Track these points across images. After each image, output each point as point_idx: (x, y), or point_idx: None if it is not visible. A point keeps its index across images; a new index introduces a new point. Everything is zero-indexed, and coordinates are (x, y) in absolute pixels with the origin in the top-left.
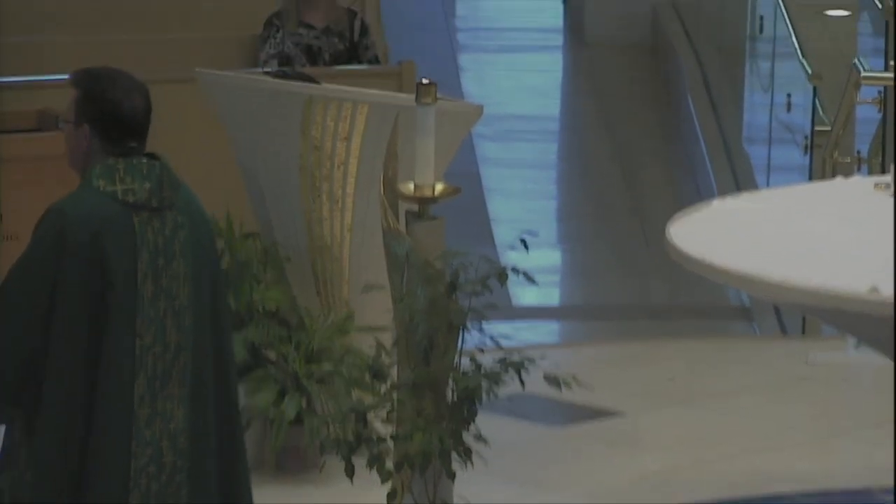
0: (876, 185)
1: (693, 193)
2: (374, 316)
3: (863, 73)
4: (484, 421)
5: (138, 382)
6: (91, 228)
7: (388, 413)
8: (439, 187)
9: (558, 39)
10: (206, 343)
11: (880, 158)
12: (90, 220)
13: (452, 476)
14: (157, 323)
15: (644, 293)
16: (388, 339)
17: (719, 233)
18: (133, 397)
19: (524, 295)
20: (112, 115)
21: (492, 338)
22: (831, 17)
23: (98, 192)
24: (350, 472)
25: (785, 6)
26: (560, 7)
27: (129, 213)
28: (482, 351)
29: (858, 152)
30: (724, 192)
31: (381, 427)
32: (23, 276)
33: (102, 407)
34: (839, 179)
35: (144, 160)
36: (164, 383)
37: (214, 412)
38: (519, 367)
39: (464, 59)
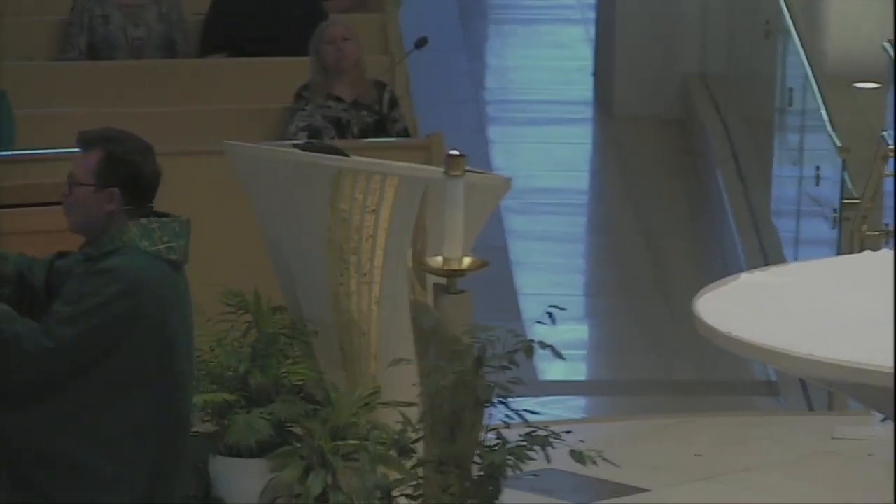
0: None
1: (720, 268)
2: (400, 391)
3: (891, 146)
4: (509, 497)
5: None
6: (155, 294)
7: (413, 490)
8: (467, 261)
9: (587, 112)
10: None
11: None
12: (154, 285)
13: None
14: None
15: (670, 369)
16: (414, 414)
17: (747, 307)
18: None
19: (551, 370)
20: (138, 175)
21: (518, 413)
22: (860, 89)
23: (147, 254)
24: None
25: (815, 78)
26: (590, 80)
27: (174, 272)
28: (508, 426)
29: (886, 225)
30: (752, 265)
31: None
32: (88, 337)
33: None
34: (867, 253)
35: (172, 218)
36: None
37: None
38: (545, 443)
39: (493, 132)
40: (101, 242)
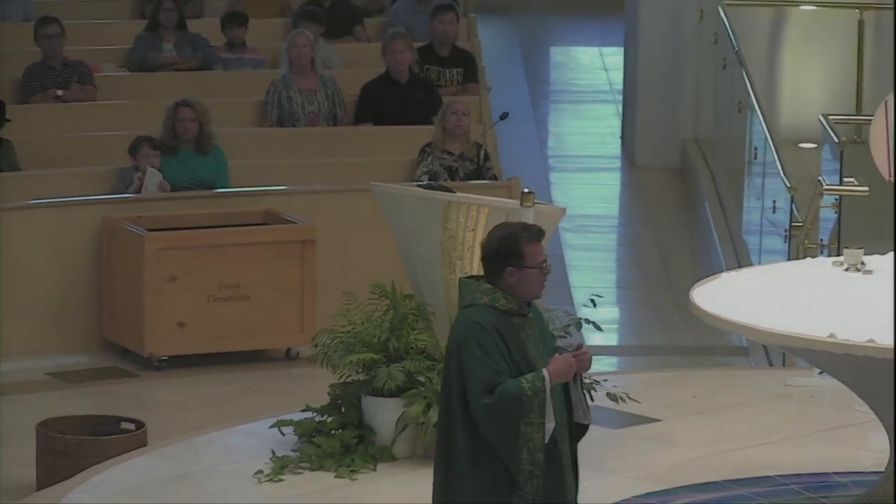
0: (833, 263)
1: (708, 269)
2: None
3: (824, 186)
4: None
5: None
6: None
7: None
8: None
9: (617, 163)
10: None
11: (836, 245)
12: None
13: None
14: None
15: (674, 338)
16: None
17: (727, 296)
18: None
19: (593, 338)
20: None
21: None
22: (803, 147)
23: None
24: None
25: (772, 141)
26: (618, 141)
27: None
28: None
29: (821, 240)
30: (730, 267)
31: None
32: None
33: None
34: (808, 259)
35: None
36: None
37: None
38: (589, 388)
39: (552, 176)
40: None
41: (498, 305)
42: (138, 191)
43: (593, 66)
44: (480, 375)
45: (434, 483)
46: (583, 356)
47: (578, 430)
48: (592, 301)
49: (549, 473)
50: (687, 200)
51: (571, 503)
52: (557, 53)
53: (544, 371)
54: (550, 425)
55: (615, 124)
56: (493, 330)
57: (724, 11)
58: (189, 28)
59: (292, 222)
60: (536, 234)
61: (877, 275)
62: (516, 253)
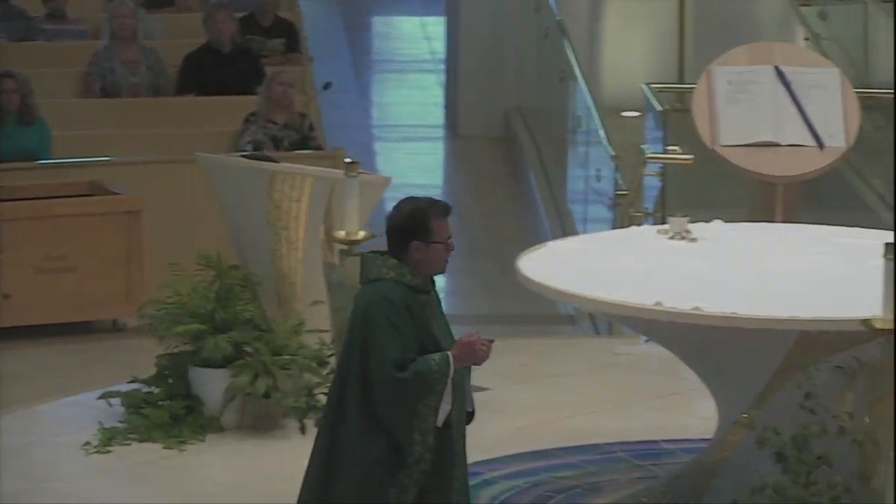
0: (658, 231)
1: (534, 239)
2: (318, 322)
3: (648, 154)
4: None
5: None
6: None
7: (328, 388)
8: (362, 233)
9: (440, 132)
10: None
11: (660, 213)
12: None
13: None
14: None
15: (502, 307)
16: (327, 337)
17: (553, 264)
18: None
19: None
20: None
21: None
22: (626, 116)
23: None
24: (303, 429)
25: (595, 109)
26: (441, 111)
27: None
28: None
29: (646, 208)
30: (555, 236)
31: (323, 398)
32: None
33: None
34: (633, 228)
35: None
36: None
37: None
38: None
39: (377, 146)
40: None
41: (405, 281)
42: None
43: (416, 36)
44: (391, 349)
45: (315, 454)
46: (486, 346)
47: (467, 417)
48: None
49: (438, 457)
50: (511, 170)
51: (459, 489)
52: (380, 23)
53: (450, 355)
54: (447, 407)
55: (438, 94)
56: (402, 306)
57: None
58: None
59: (118, 193)
60: (444, 209)
61: (702, 242)
62: (424, 227)
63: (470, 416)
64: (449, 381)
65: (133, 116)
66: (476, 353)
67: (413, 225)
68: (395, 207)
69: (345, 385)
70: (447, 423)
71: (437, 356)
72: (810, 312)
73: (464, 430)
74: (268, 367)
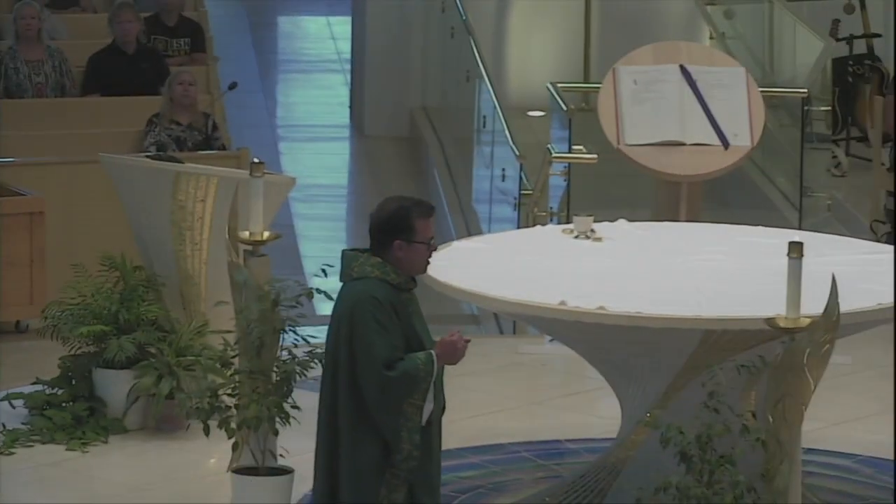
0: (562, 230)
1: (439, 238)
2: (222, 323)
3: (553, 154)
4: (297, 395)
5: None
6: None
7: (232, 390)
8: (266, 234)
9: (346, 132)
10: None
11: (565, 213)
12: None
13: (276, 433)
14: None
15: None
16: (232, 339)
17: (457, 264)
18: None
19: (325, 307)
20: None
21: (302, 337)
22: (531, 116)
23: None
24: (207, 431)
25: (500, 109)
26: (347, 111)
27: None
28: (296, 346)
29: (551, 208)
30: (460, 236)
31: (227, 399)
32: None
33: None
34: (538, 227)
35: None
36: None
37: None
38: (321, 358)
39: (282, 146)
40: None
41: (389, 279)
42: None
43: (321, 36)
44: (380, 348)
45: (318, 458)
46: (464, 345)
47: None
48: (323, 271)
49: (423, 454)
50: (416, 169)
51: (436, 485)
52: (285, 23)
53: (433, 354)
54: (430, 406)
55: (344, 93)
56: (388, 304)
57: None
58: None
59: (20, 194)
60: (428, 210)
61: (606, 242)
62: (407, 226)
63: (441, 410)
64: (433, 379)
65: (37, 117)
66: (457, 353)
67: (397, 224)
68: (379, 206)
69: (335, 386)
70: (429, 420)
71: (421, 355)
72: (714, 311)
73: (440, 426)
74: (172, 368)
